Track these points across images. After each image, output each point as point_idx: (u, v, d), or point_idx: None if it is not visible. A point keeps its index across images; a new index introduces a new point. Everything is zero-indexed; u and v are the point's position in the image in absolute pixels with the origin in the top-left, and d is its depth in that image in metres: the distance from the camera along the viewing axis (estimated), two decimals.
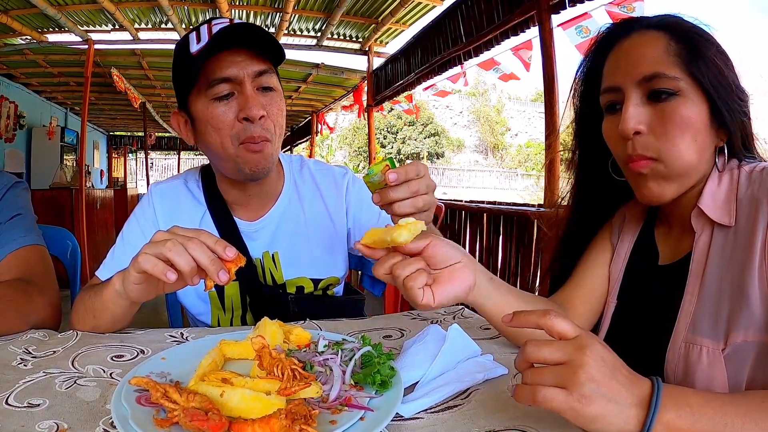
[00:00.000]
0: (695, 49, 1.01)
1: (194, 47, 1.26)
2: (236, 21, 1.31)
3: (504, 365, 1.01)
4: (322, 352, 0.97)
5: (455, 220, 5.05)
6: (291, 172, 1.59)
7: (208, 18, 1.38)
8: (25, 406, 0.81)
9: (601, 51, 1.14)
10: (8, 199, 1.49)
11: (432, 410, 0.84)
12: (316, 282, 1.54)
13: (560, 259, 1.36)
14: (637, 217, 1.26)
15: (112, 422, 0.74)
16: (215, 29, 1.26)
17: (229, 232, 1.46)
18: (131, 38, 7.30)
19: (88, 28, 7.06)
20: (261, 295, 1.48)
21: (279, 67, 1.41)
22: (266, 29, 1.27)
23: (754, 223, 0.96)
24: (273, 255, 1.50)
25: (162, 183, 1.56)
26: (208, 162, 1.54)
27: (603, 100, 1.11)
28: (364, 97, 8.49)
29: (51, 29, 7.09)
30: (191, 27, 6.97)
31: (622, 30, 1.10)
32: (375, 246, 0.97)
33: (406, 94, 7.53)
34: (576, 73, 1.24)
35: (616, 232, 1.28)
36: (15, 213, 1.47)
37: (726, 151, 1.05)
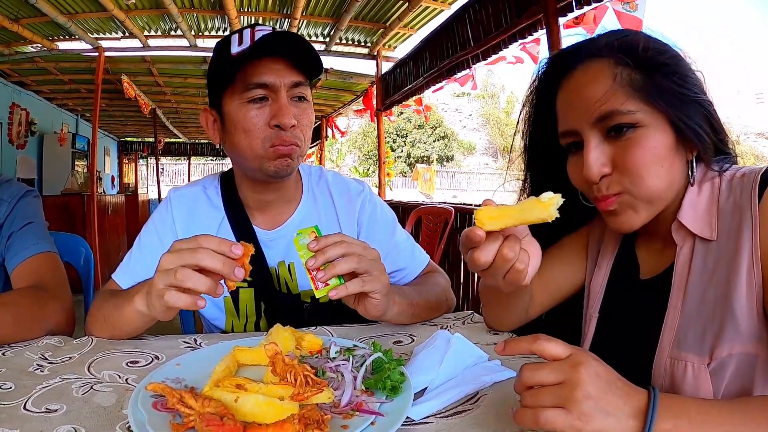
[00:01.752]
0: (646, 70, 0.97)
1: (235, 49, 1.28)
2: (278, 30, 1.32)
3: (512, 369, 1.01)
4: (334, 358, 0.98)
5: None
6: (309, 183, 1.59)
7: (252, 23, 1.40)
8: (43, 412, 0.83)
9: (549, 87, 1.11)
10: (20, 208, 1.51)
11: (441, 415, 0.84)
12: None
13: None
14: (615, 234, 1.23)
15: (129, 427, 0.76)
16: (258, 34, 1.29)
17: (247, 240, 1.45)
18: (141, 45, 7.35)
19: (98, 36, 7.11)
20: (275, 303, 1.48)
21: None
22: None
23: (738, 232, 0.94)
24: (288, 265, 1.50)
25: (181, 189, 1.56)
26: (227, 170, 1.55)
27: (563, 143, 1.08)
28: (374, 102, 8.50)
29: (61, 37, 7.14)
30: (200, 33, 7.05)
31: (567, 63, 1.06)
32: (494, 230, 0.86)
33: (415, 98, 7.52)
34: (521, 109, 1.22)
35: (594, 243, 1.27)
36: (27, 221, 1.50)
37: (695, 162, 1.02)
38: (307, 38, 7.53)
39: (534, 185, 1.27)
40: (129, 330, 1.21)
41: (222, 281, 0.99)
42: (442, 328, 1.31)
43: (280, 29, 1.32)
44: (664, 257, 1.09)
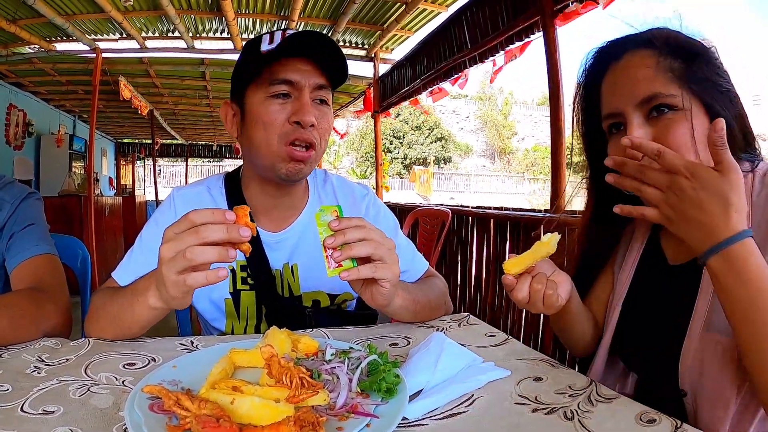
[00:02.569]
0: (686, 60, 1.06)
1: (265, 47, 1.31)
2: (311, 31, 1.34)
3: (507, 369, 1.03)
4: (330, 360, 0.99)
5: (462, 226, 5.05)
6: (315, 186, 1.61)
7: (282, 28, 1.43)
8: (40, 413, 0.83)
9: (595, 76, 1.20)
10: (22, 210, 1.52)
11: (436, 417, 0.85)
12: (332, 297, 1.54)
13: (581, 271, 1.39)
14: (645, 224, 1.29)
15: (126, 429, 0.76)
16: (289, 33, 1.31)
17: (252, 241, 1.45)
18: (138, 47, 7.35)
19: (95, 37, 7.11)
20: (277, 306, 1.48)
21: None
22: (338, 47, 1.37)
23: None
24: (292, 267, 1.50)
25: (184, 188, 1.57)
26: (231, 170, 1.56)
27: (605, 125, 1.17)
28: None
29: (59, 38, 7.14)
30: (198, 35, 7.05)
31: (613, 52, 1.15)
32: (520, 272, 1.09)
33: (411, 99, 7.53)
34: (574, 101, 1.29)
35: (624, 243, 1.33)
36: (28, 223, 1.50)
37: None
38: None
39: (594, 172, 1.33)
40: (139, 328, 1.21)
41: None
42: (438, 330, 1.32)
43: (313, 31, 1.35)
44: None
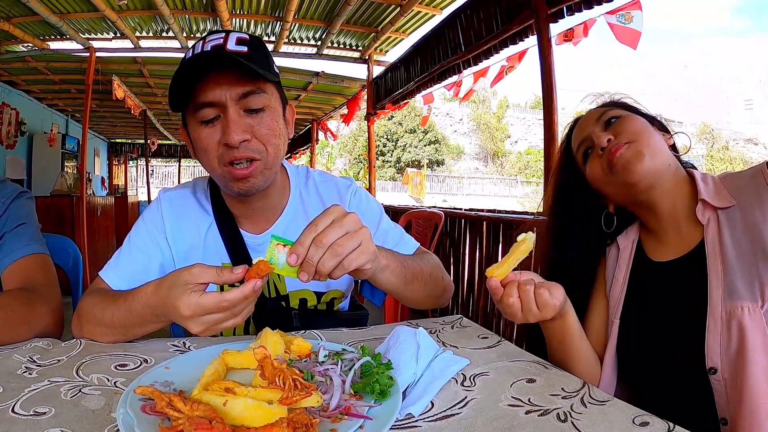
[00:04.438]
0: (614, 102, 1.44)
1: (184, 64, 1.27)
2: (233, 34, 1.30)
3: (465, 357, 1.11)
4: (323, 362, 0.99)
5: (455, 229, 5.06)
6: (297, 184, 1.58)
7: (209, 30, 1.37)
8: (31, 414, 0.82)
9: (569, 138, 1.48)
10: (13, 209, 1.51)
11: (429, 419, 0.85)
12: (319, 295, 1.53)
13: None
14: (629, 243, 1.39)
15: (118, 430, 0.76)
16: (206, 47, 1.27)
17: (236, 245, 1.46)
18: (132, 46, 7.34)
19: (89, 36, 7.09)
20: (264, 308, 1.47)
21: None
22: (259, 44, 1.34)
23: (757, 194, 1.14)
24: None
25: (171, 190, 1.56)
26: None
27: (579, 156, 1.40)
28: (364, 105, 8.50)
29: (53, 37, 7.12)
30: (192, 35, 7.03)
31: (573, 124, 1.47)
32: (505, 276, 1.15)
33: (404, 101, 7.54)
34: (556, 165, 1.54)
35: (610, 266, 1.41)
36: (19, 222, 1.49)
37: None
38: (299, 42, 7.54)
39: (560, 226, 1.48)
40: (146, 332, 1.22)
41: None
42: (431, 332, 1.32)
43: (238, 33, 1.32)
44: (684, 242, 1.26)
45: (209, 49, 1.26)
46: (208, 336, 1.09)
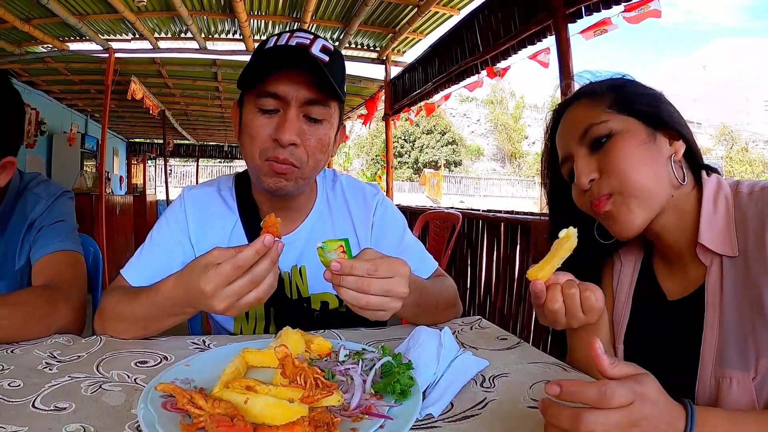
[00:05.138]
0: (614, 89, 1.18)
1: (269, 46, 1.30)
2: (319, 40, 1.30)
3: (485, 359, 1.08)
4: (343, 361, 0.98)
5: (472, 229, 5.04)
6: (324, 187, 1.58)
7: (294, 28, 1.38)
8: (52, 410, 0.83)
9: (553, 134, 1.30)
10: (55, 206, 1.56)
11: (449, 419, 0.85)
12: (341, 299, 1.51)
13: None
14: (632, 260, 1.29)
15: (138, 426, 0.76)
16: (292, 42, 1.28)
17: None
18: (151, 47, 7.39)
19: (108, 37, 7.15)
20: (286, 309, 1.47)
21: None
22: (338, 59, 1.36)
23: (763, 242, 0.99)
24: (300, 269, 1.48)
25: (195, 189, 1.55)
26: (242, 171, 1.55)
27: (564, 172, 1.25)
28: (381, 106, 8.49)
29: (72, 38, 7.19)
30: (210, 36, 7.07)
31: (558, 114, 1.29)
32: (547, 277, 1.06)
33: (423, 102, 7.53)
34: (541, 159, 1.40)
35: (616, 277, 1.31)
36: (58, 219, 1.54)
37: (685, 163, 1.14)
38: None
39: (554, 219, 1.37)
40: (165, 329, 1.22)
41: None
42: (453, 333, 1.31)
43: (324, 39, 1.33)
44: (690, 278, 1.14)
45: (294, 45, 1.28)
46: (235, 315, 1.08)
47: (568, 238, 1.04)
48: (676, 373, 1.08)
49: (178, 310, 1.14)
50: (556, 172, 1.30)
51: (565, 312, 1.06)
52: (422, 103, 7.59)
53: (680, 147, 1.13)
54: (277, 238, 0.99)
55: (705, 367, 1.04)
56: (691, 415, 0.72)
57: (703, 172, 1.15)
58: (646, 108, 1.13)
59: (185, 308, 1.12)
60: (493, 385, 0.99)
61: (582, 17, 3.76)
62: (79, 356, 1.09)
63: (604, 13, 3.77)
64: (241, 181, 1.54)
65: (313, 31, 1.34)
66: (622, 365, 0.72)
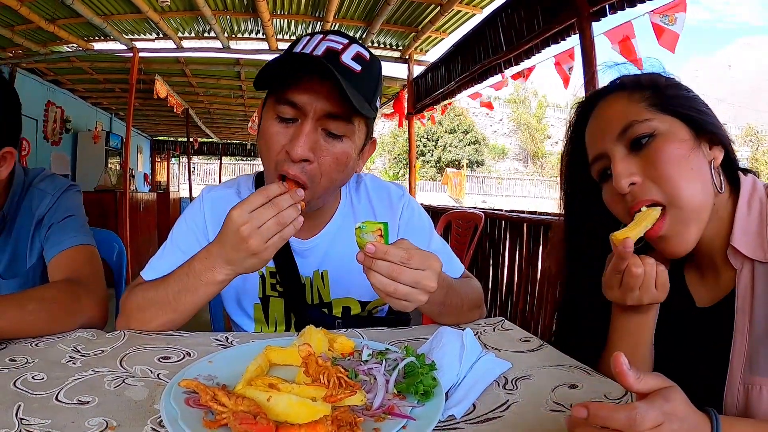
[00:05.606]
0: (656, 87, 1.10)
1: (297, 48, 1.24)
2: (354, 46, 1.24)
3: (508, 361, 1.07)
4: (366, 361, 0.98)
5: (495, 230, 5.02)
6: (348, 189, 1.53)
7: (330, 30, 1.32)
8: (75, 403, 0.83)
9: (578, 129, 1.24)
10: (62, 201, 1.55)
11: (471, 420, 0.84)
12: (363, 304, 1.50)
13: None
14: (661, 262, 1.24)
15: (160, 421, 0.76)
16: (322, 46, 1.21)
17: (281, 250, 1.37)
18: (175, 47, 7.47)
19: (132, 37, 7.26)
20: (306, 315, 1.44)
21: None
22: (374, 67, 1.27)
23: None
24: (322, 273, 1.46)
25: (215, 190, 1.53)
26: (262, 170, 1.49)
27: (594, 172, 1.18)
28: (405, 105, 8.48)
29: (97, 38, 7.30)
30: (233, 35, 7.12)
31: (590, 105, 1.20)
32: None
33: (446, 102, 7.51)
34: (562, 154, 1.33)
35: None
36: (67, 214, 1.53)
37: (721, 170, 1.09)
38: None
39: (572, 220, 1.33)
40: (196, 308, 1.23)
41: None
42: (475, 334, 1.30)
43: (360, 46, 1.25)
44: (721, 285, 1.10)
45: (323, 50, 1.20)
46: (272, 252, 1.11)
47: (651, 212, 1.02)
48: (704, 380, 1.06)
49: (210, 277, 1.15)
50: (578, 169, 1.25)
51: (641, 282, 1.02)
52: (444, 102, 7.58)
53: (719, 153, 1.08)
54: (302, 193, 1.12)
55: (734, 375, 1.02)
56: (717, 426, 0.71)
57: (739, 172, 1.10)
58: (690, 111, 1.07)
59: (220, 267, 1.14)
60: (515, 387, 0.98)
61: (606, 15, 3.71)
62: (102, 351, 1.09)
63: (628, 12, 3.72)
64: (261, 181, 1.50)
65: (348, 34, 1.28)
66: (647, 378, 0.70)
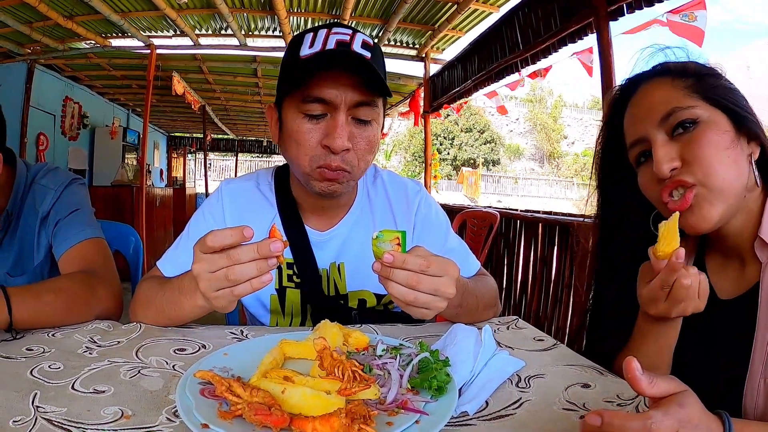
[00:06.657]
0: (700, 75, 1.09)
1: (305, 51, 1.23)
2: (359, 35, 1.26)
3: (521, 359, 1.07)
4: (381, 355, 0.98)
5: (510, 229, 5.00)
6: (365, 183, 1.54)
7: (329, 22, 1.32)
8: (91, 392, 0.84)
9: (617, 113, 1.23)
10: (66, 196, 1.55)
11: (483, 417, 0.84)
12: (379, 297, 1.49)
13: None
14: (686, 256, 1.21)
15: (175, 411, 0.77)
16: (331, 40, 1.22)
17: (299, 241, 1.43)
18: (192, 44, 7.50)
19: (150, 34, 7.31)
20: (322, 306, 1.45)
21: None
22: (379, 52, 1.30)
23: None
24: (339, 266, 1.47)
25: (234, 182, 1.53)
26: (282, 164, 1.52)
27: (632, 156, 1.18)
28: (421, 104, 8.46)
29: (114, 34, 7.35)
30: (250, 33, 7.14)
31: (630, 89, 1.19)
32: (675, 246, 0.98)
33: (462, 100, 7.48)
34: (597, 140, 1.31)
35: None
36: (73, 209, 1.54)
37: (756, 165, 1.08)
38: None
39: (605, 208, 1.32)
40: (186, 320, 1.22)
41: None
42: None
43: (363, 34, 1.27)
44: (746, 276, 1.09)
45: (333, 44, 1.22)
46: (224, 304, 1.02)
47: (674, 220, 0.99)
48: (725, 373, 1.05)
49: (191, 300, 1.13)
50: (613, 153, 1.26)
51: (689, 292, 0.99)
52: (460, 101, 7.56)
53: (756, 149, 1.09)
54: (278, 247, 0.96)
55: (755, 370, 1.00)
56: (729, 429, 0.69)
57: (753, 164, 1.09)
58: (732, 105, 1.07)
59: (199, 294, 1.06)
60: (528, 385, 0.97)
61: (624, 14, 3.68)
62: (118, 341, 1.10)
63: (648, 13, 3.69)
64: (281, 176, 1.51)
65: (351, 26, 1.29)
66: (660, 382, 0.69)
